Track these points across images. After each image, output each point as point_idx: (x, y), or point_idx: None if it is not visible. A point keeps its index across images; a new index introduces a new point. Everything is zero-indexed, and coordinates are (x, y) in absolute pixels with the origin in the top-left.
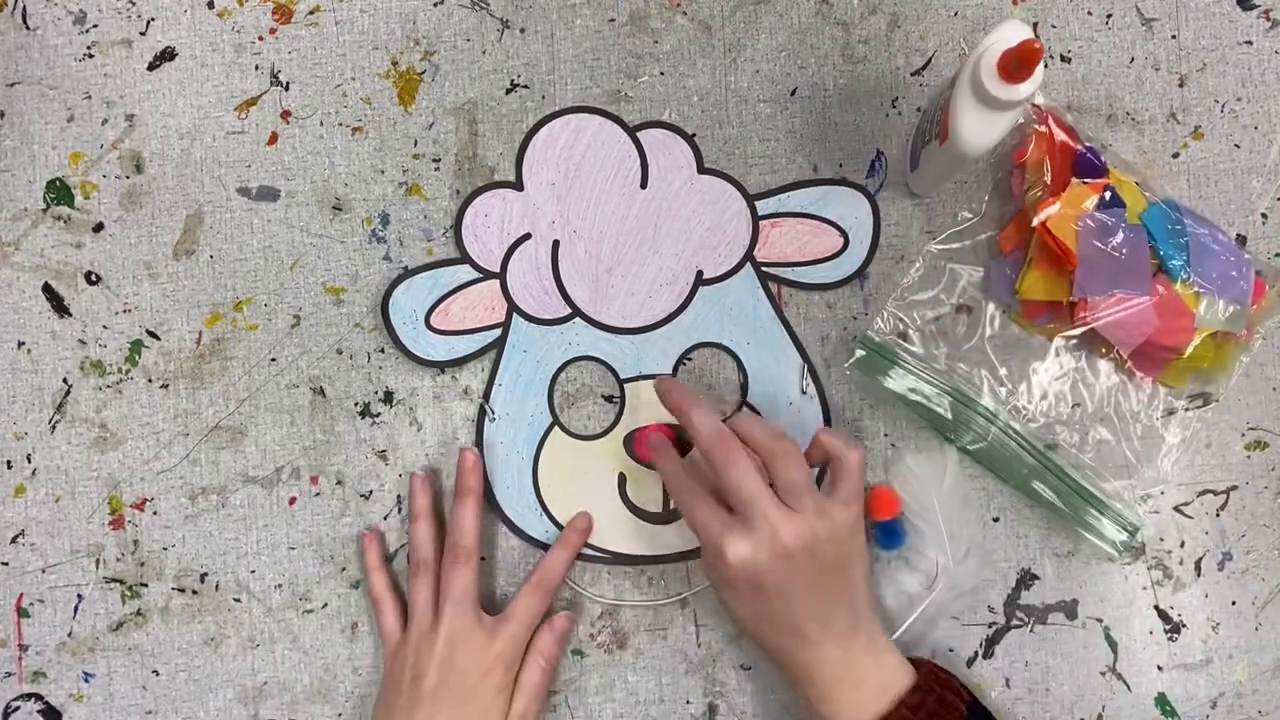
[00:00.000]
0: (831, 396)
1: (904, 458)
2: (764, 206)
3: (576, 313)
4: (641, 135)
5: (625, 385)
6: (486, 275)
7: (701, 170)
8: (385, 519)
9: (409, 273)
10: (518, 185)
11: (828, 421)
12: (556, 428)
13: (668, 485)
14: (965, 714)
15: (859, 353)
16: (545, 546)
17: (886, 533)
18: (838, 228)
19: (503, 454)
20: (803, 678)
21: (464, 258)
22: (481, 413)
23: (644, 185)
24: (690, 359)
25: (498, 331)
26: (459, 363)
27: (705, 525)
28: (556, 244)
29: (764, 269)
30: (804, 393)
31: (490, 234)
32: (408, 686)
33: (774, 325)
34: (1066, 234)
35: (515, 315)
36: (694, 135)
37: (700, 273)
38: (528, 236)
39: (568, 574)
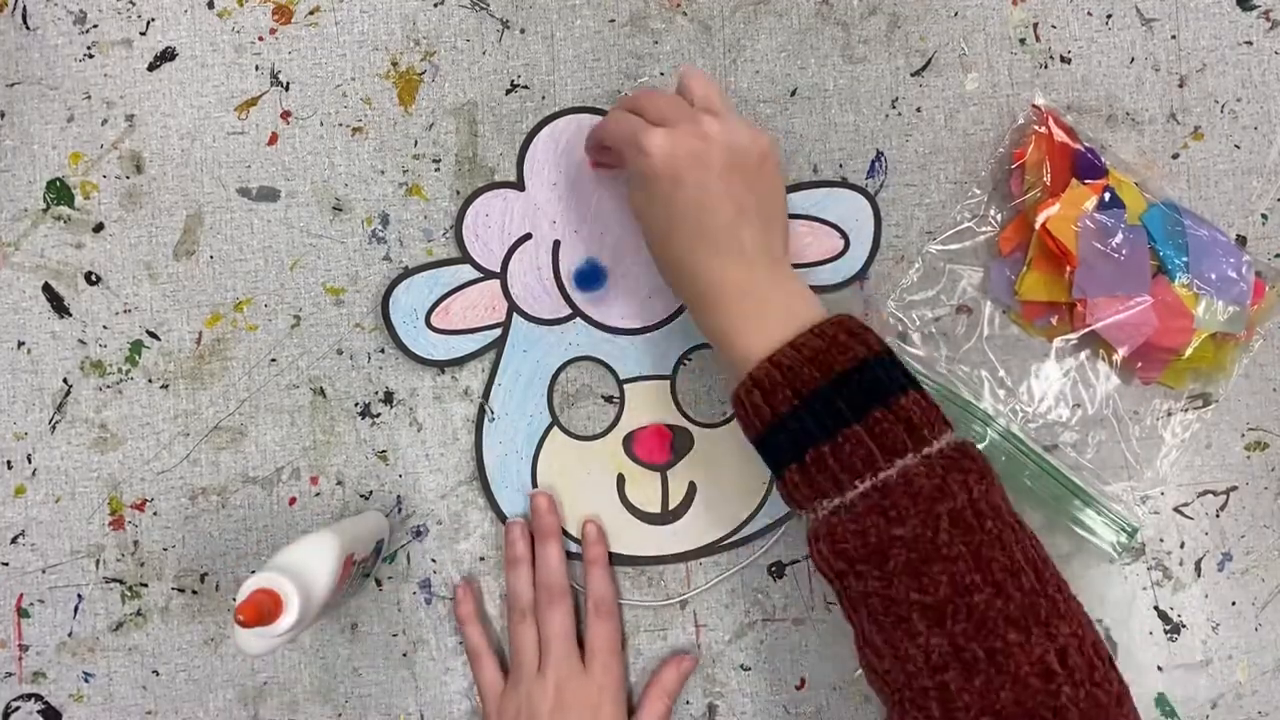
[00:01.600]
0: None
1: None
2: None
3: (577, 313)
4: None
5: (625, 386)
6: (487, 275)
7: None
8: (387, 516)
9: (409, 272)
10: (519, 185)
11: None
12: (556, 428)
13: (607, 122)
14: (878, 353)
15: None
16: None
17: None
18: (838, 230)
19: (502, 454)
20: (708, 299)
21: (465, 257)
22: (481, 412)
23: None
24: (690, 359)
25: (498, 331)
26: (459, 362)
27: (625, 125)
28: (557, 244)
29: None
30: None
31: (491, 234)
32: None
33: None
34: (1066, 235)
35: (515, 315)
36: None
37: None
38: (528, 236)
39: (617, 587)
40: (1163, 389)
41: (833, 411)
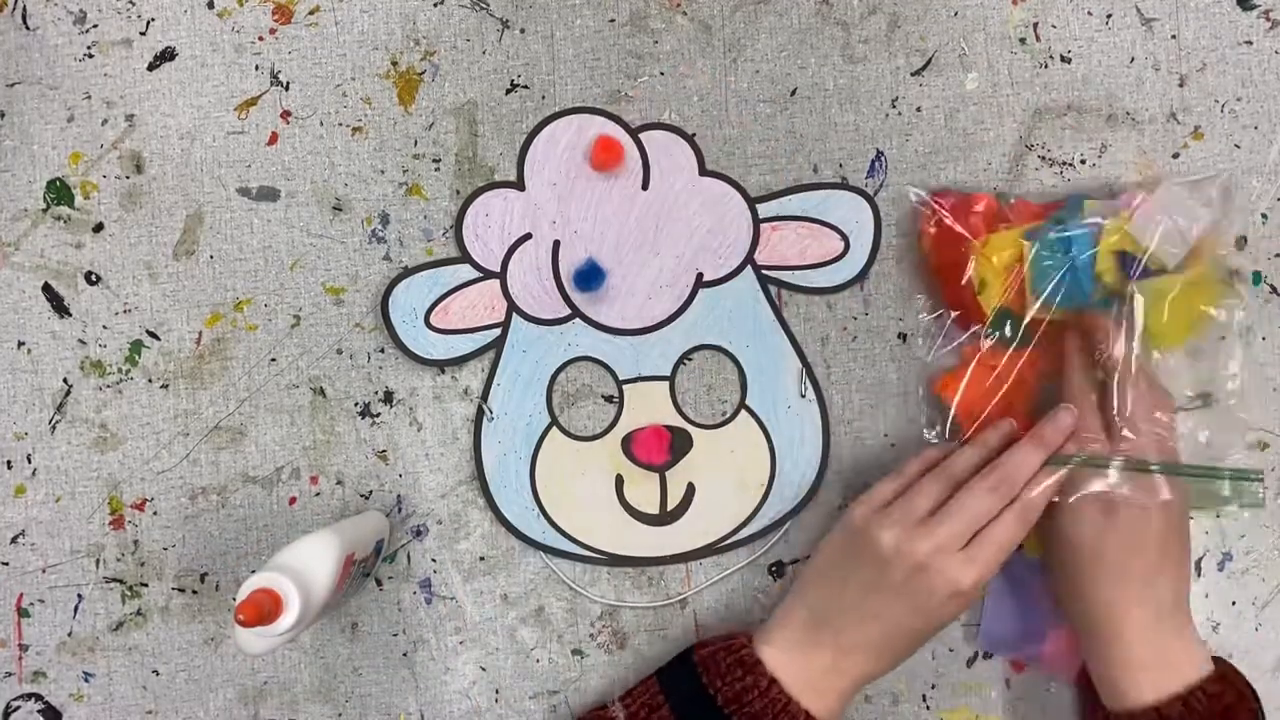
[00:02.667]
0: (830, 400)
1: (907, 455)
2: (765, 209)
3: (576, 313)
4: (643, 137)
5: (624, 386)
6: (487, 275)
7: (703, 172)
8: (387, 516)
9: (409, 271)
10: (519, 185)
11: (826, 424)
12: (554, 428)
13: (1068, 382)
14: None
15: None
16: (544, 547)
17: None
18: (839, 231)
19: (500, 454)
20: (1105, 632)
21: (464, 257)
22: (480, 412)
23: (645, 187)
24: (690, 360)
25: (497, 331)
26: (458, 362)
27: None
28: (557, 244)
29: (764, 272)
30: (803, 396)
31: (491, 233)
32: (871, 561)
33: (774, 328)
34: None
35: (515, 315)
36: (694, 135)
37: (700, 275)
38: (528, 236)
39: (1052, 486)
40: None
41: None
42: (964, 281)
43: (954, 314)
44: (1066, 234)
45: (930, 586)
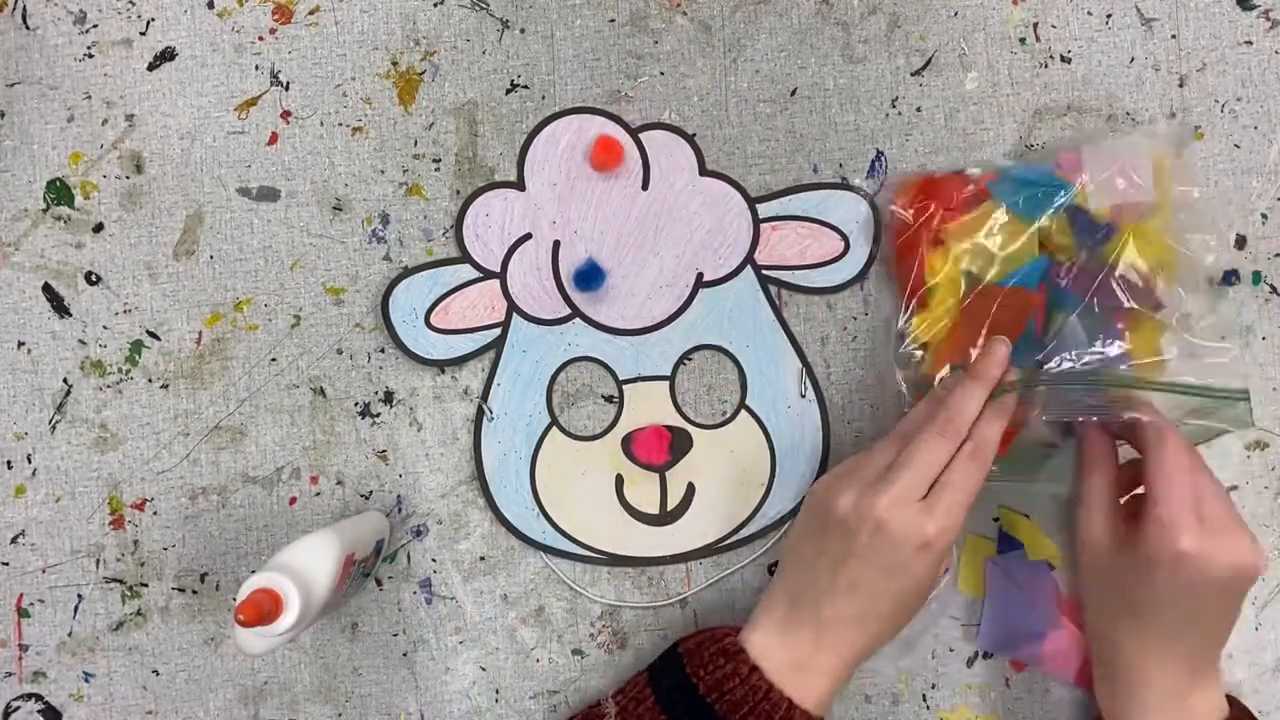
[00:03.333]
0: (831, 400)
1: None
2: (765, 209)
3: (576, 313)
4: (643, 137)
5: (624, 386)
6: (487, 275)
7: (703, 172)
8: (388, 516)
9: (409, 271)
10: (519, 185)
11: (826, 424)
12: (554, 428)
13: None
14: None
15: None
16: (544, 547)
17: None
18: (839, 232)
19: (500, 454)
20: (1128, 679)
21: (464, 257)
22: (480, 412)
23: (645, 187)
24: (690, 360)
25: (497, 331)
26: (458, 362)
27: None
28: (557, 244)
29: (764, 272)
30: (803, 396)
31: (491, 233)
32: (836, 529)
33: (774, 328)
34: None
35: (515, 315)
36: (694, 135)
37: (700, 275)
38: (528, 236)
39: (1001, 419)
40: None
41: None
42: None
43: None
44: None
45: (894, 542)
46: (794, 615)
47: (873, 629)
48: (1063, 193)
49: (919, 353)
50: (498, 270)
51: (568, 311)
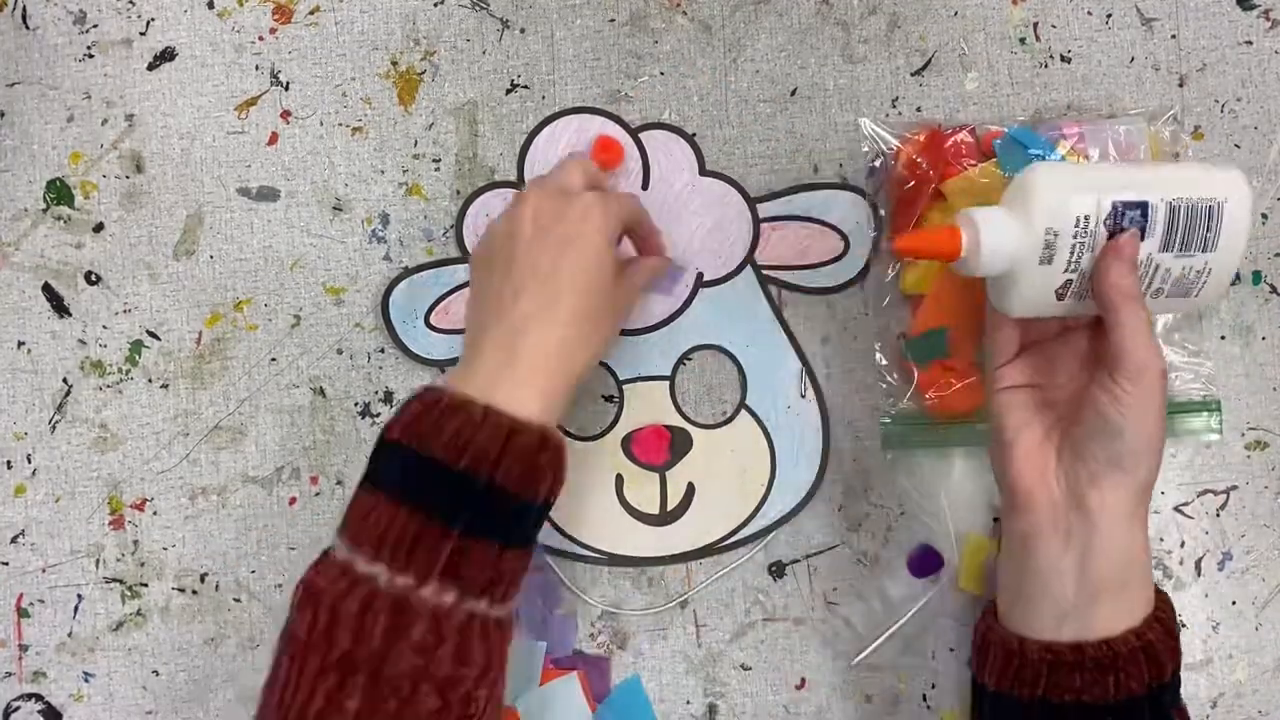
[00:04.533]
0: (830, 400)
1: (914, 454)
2: (765, 209)
3: None
4: (644, 136)
5: (624, 386)
6: None
7: (703, 172)
8: None
9: (409, 271)
10: (520, 185)
11: (826, 427)
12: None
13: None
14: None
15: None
16: (543, 547)
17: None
18: (839, 232)
19: None
20: (1117, 537)
21: (465, 257)
22: None
23: (645, 186)
24: (690, 360)
25: None
26: (456, 362)
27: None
28: None
29: (764, 272)
30: (803, 396)
31: None
32: (500, 239)
33: (774, 328)
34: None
35: None
36: (694, 135)
37: (701, 275)
38: None
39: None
40: None
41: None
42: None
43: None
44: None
45: (551, 214)
46: (485, 341)
47: (562, 314)
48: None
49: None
50: None
51: None
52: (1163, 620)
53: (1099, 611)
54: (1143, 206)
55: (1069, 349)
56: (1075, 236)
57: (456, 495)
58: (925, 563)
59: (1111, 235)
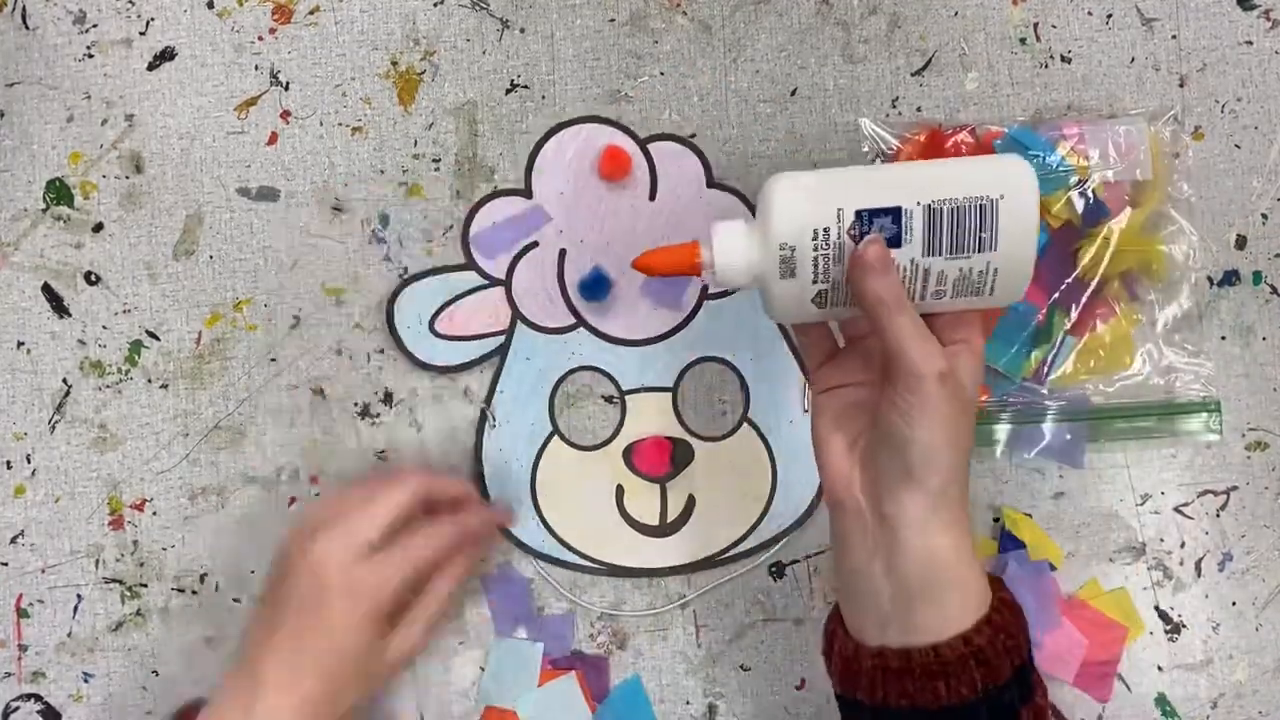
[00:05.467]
0: None
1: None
2: None
3: (580, 322)
4: (652, 148)
5: (626, 396)
6: (492, 282)
7: (710, 184)
8: None
9: (414, 277)
10: (526, 193)
11: None
12: (556, 437)
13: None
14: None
15: None
16: (542, 556)
17: None
18: None
19: (501, 461)
20: (923, 542)
21: (470, 263)
22: (483, 417)
23: (653, 198)
24: (693, 372)
25: (501, 338)
26: (462, 368)
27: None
28: (563, 253)
29: None
30: (805, 411)
31: (497, 241)
32: (272, 578)
33: (777, 342)
34: None
35: (519, 323)
36: (693, 136)
37: (705, 286)
38: (535, 245)
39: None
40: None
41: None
42: None
43: None
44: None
45: (310, 575)
46: (232, 684)
47: (305, 689)
48: (1059, 165)
49: None
50: (503, 278)
51: (572, 320)
52: (997, 622)
53: (917, 617)
54: (894, 213)
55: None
56: (815, 250)
57: None
58: None
59: (856, 243)
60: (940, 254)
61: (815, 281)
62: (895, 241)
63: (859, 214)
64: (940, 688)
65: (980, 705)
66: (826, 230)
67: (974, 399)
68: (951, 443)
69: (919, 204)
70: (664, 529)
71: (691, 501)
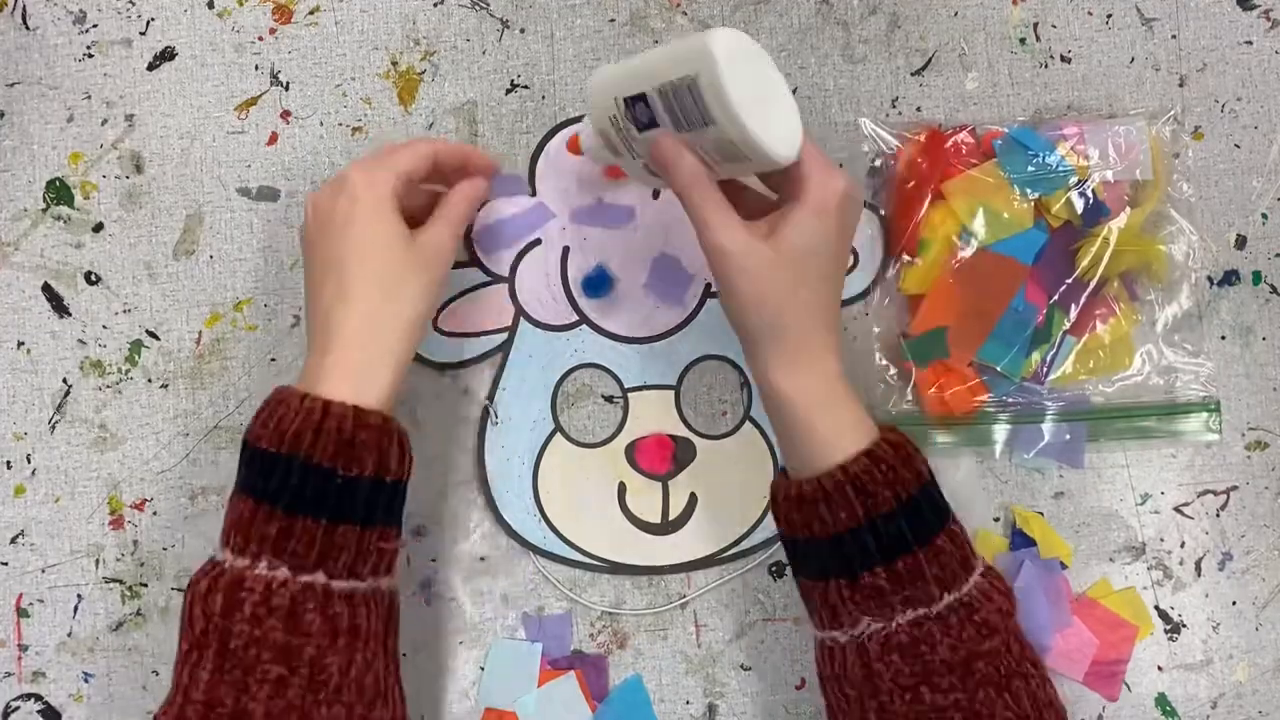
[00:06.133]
0: None
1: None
2: None
3: (583, 320)
4: None
5: (629, 394)
6: (495, 279)
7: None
8: None
9: None
10: (530, 190)
11: None
12: (558, 434)
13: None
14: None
15: None
16: (544, 553)
17: None
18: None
19: (503, 458)
20: (819, 352)
21: (473, 260)
22: (485, 415)
23: (656, 195)
24: (695, 370)
25: (504, 335)
26: (464, 365)
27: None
28: (566, 250)
29: None
30: None
31: (501, 238)
32: (302, 254)
33: None
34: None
35: (522, 320)
36: None
37: (709, 285)
38: (538, 242)
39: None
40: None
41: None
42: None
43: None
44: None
45: (332, 202)
46: (309, 339)
47: (356, 300)
48: (1059, 165)
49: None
50: (506, 275)
51: (575, 318)
52: (876, 454)
53: (801, 452)
54: (642, 99)
55: None
56: (618, 132)
57: (278, 478)
58: None
59: (640, 129)
60: (687, 129)
61: (635, 157)
62: (652, 123)
63: (626, 100)
64: (825, 514)
65: (865, 533)
66: (614, 118)
67: (817, 249)
68: (767, 302)
69: (654, 89)
70: (665, 527)
71: (693, 499)
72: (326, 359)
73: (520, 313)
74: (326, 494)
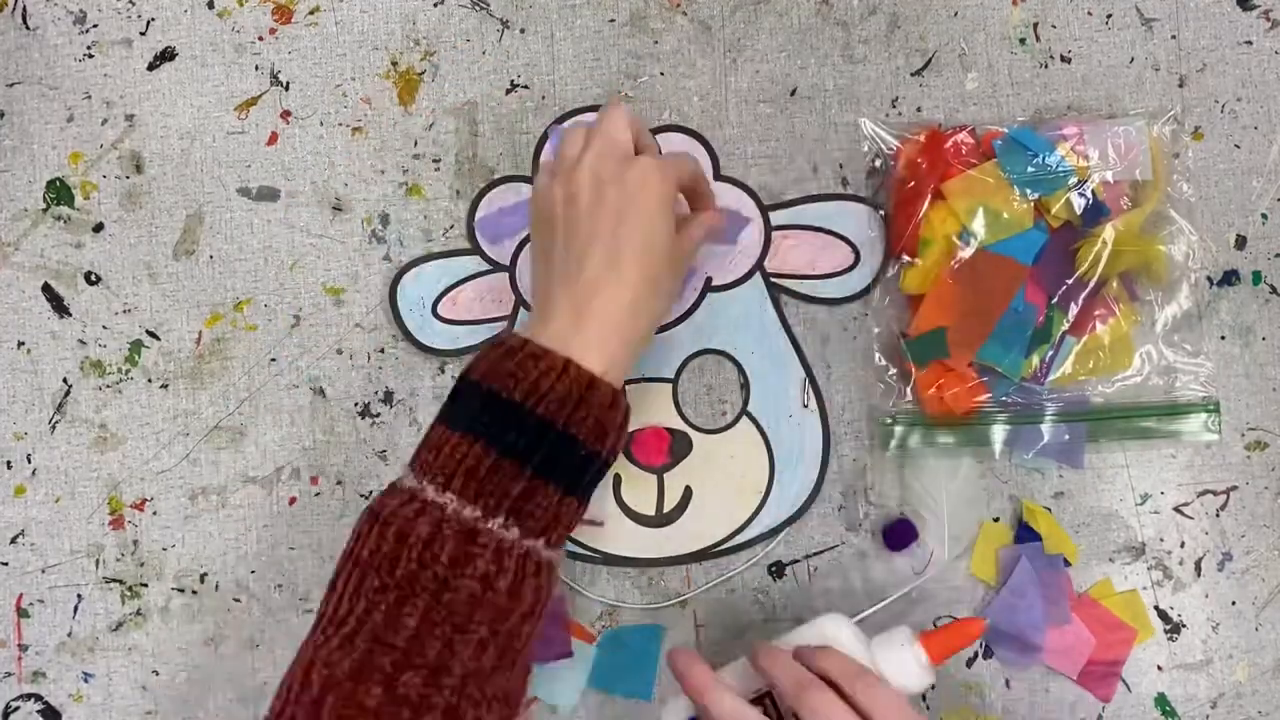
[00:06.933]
0: (831, 400)
1: (913, 453)
2: (777, 217)
3: None
4: (660, 139)
5: (627, 387)
6: (496, 268)
7: (717, 177)
8: None
9: (418, 260)
10: (532, 180)
11: (827, 434)
12: None
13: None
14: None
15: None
16: None
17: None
18: (849, 243)
19: None
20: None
21: (475, 249)
22: None
23: None
24: (693, 364)
25: (504, 324)
26: (463, 353)
27: None
28: None
29: (773, 280)
30: (805, 406)
31: (502, 227)
32: (561, 205)
33: (779, 336)
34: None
35: (522, 309)
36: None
37: (709, 279)
38: None
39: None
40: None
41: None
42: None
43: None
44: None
45: (604, 173)
46: (555, 300)
47: (630, 273)
48: (1059, 165)
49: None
50: (507, 264)
51: None
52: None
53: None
54: None
55: None
56: None
57: (532, 437)
58: (900, 534)
59: None
60: None
61: None
62: None
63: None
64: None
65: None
66: None
67: None
68: None
69: None
70: (660, 519)
71: (689, 493)
72: (588, 332)
73: (520, 302)
74: (572, 466)
